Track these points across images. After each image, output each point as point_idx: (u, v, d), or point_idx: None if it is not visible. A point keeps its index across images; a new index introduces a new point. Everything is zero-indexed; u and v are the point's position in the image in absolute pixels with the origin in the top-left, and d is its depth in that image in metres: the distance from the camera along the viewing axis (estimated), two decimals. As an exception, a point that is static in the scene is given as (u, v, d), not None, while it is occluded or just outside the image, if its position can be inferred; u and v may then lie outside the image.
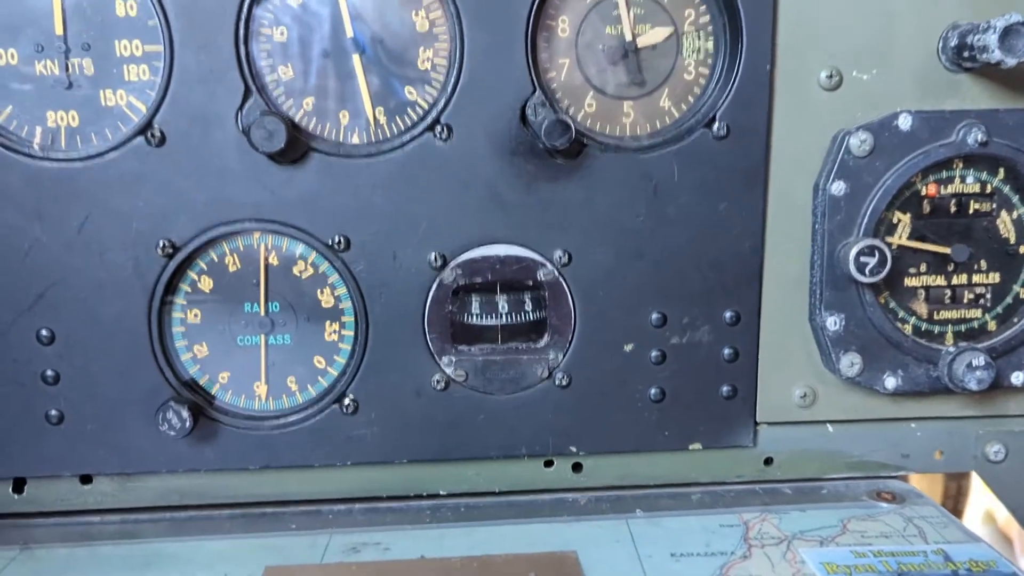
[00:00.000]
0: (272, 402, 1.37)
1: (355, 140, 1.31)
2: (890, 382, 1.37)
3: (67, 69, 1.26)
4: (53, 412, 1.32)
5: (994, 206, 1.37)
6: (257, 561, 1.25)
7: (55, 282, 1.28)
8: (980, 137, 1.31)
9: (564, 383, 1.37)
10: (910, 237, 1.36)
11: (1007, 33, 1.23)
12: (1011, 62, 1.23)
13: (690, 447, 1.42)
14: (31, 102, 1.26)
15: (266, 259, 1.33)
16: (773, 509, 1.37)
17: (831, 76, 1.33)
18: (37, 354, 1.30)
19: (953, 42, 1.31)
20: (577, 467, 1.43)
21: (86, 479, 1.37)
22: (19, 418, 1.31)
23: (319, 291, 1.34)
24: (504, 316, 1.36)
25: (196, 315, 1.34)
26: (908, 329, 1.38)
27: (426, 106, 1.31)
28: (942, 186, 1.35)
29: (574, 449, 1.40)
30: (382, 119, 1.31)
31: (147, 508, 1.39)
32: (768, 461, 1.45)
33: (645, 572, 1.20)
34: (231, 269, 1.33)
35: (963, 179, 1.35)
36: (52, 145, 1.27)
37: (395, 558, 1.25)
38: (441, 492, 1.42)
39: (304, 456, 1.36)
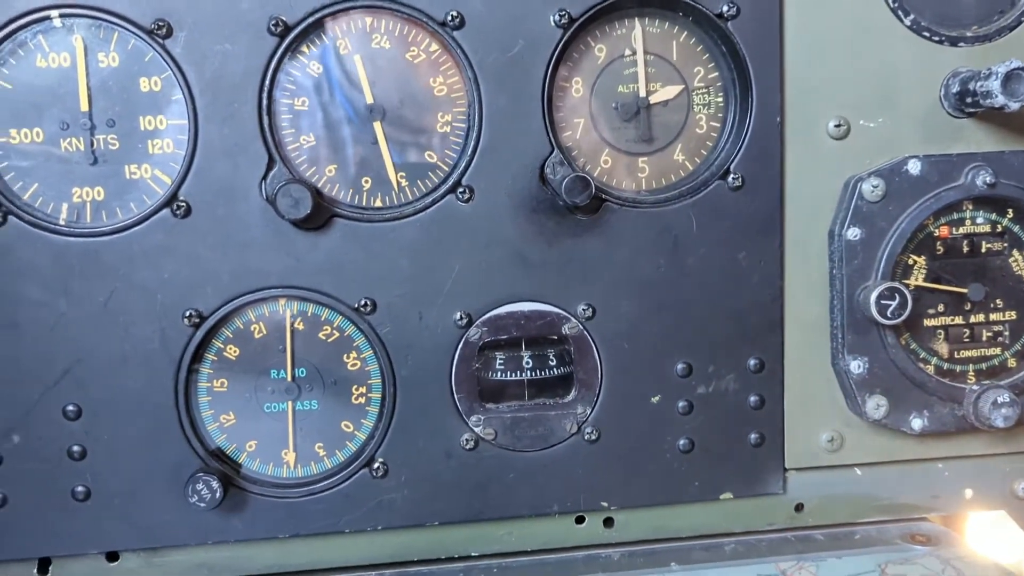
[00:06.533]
0: (300, 469, 1.36)
1: (378, 204, 1.33)
2: (916, 423, 1.38)
3: (92, 145, 1.27)
4: (80, 488, 1.30)
5: (1006, 245, 1.40)
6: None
7: (81, 357, 1.28)
8: (988, 179, 1.34)
9: (593, 437, 1.37)
10: (926, 279, 1.38)
11: (1009, 78, 1.27)
12: (1015, 106, 1.27)
13: (721, 497, 1.41)
14: (56, 179, 1.27)
15: (292, 325, 1.33)
16: (809, 557, 1.37)
17: (839, 125, 1.37)
18: (63, 430, 1.29)
19: (955, 88, 1.35)
20: (608, 522, 1.42)
21: (112, 556, 1.34)
22: (45, 496, 1.29)
23: (345, 355, 1.35)
24: (530, 371, 1.37)
25: (223, 384, 1.33)
26: (931, 369, 1.39)
27: (447, 169, 1.33)
28: (954, 227, 1.38)
29: (605, 504, 1.39)
30: (404, 183, 1.33)
31: (175, 583, 1.36)
32: (799, 507, 1.45)
33: (688, 627, 1.19)
34: (257, 336, 1.33)
35: (974, 220, 1.38)
36: (78, 220, 1.28)
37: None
38: (473, 554, 1.40)
39: (334, 523, 1.35)
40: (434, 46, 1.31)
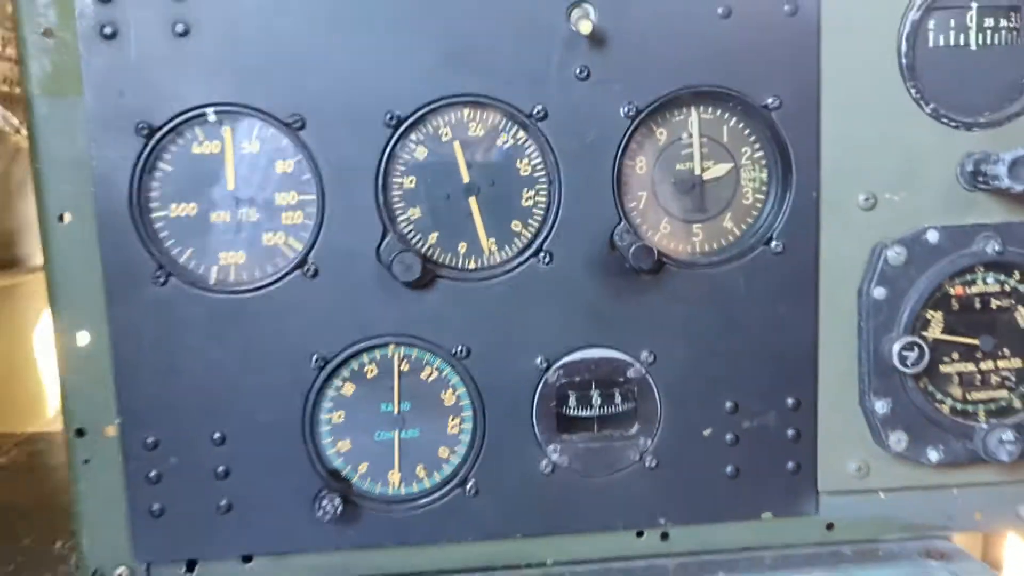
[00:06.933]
0: (404, 488, 1.60)
1: (472, 266, 1.56)
2: (933, 455, 1.60)
3: (236, 217, 1.52)
4: (223, 502, 1.55)
5: (1012, 302, 1.61)
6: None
7: (227, 393, 1.53)
8: (997, 247, 1.55)
9: (653, 465, 1.60)
10: (943, 331, 1.60)
11: (1015, 164, 1.48)
12: (1019, 188, 1.48)
13: (762, 516, 1.64)
14: (207, 246, 1.52)
15: (399, 367, 1.58)
16: (838, 569, 1.59)
17: (868, 199, 1.58)
18: (211, 453, 1.54)
19: (969, 168, 1.56)
20: (665, 536, 1.65)
21: (247, 559, 1.60)
22: (195, 508, 1.55)
23: (443, 392, 1.59)
24: (600, 408, 1.60)
25: (340, 416, 1.58)
26: (946, 409, 1.61)
27: (530, 236, 1.56)
28: (967, 287, 1.59)
29: (662, 521, 1.63)
30: (494, 248, 1.56)
31: (298, 582, 1.61)
32: (830, 526, 1.67)
33: (735, 628, 1.42)
34: (369, 376, 1.57)
35: (985, 281, 1.59)
36: (225, 280, 1.53)
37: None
38: (548, 561, 1.64)
39: (433, 534, 1.59)
40: (521, 134, 1.55)
